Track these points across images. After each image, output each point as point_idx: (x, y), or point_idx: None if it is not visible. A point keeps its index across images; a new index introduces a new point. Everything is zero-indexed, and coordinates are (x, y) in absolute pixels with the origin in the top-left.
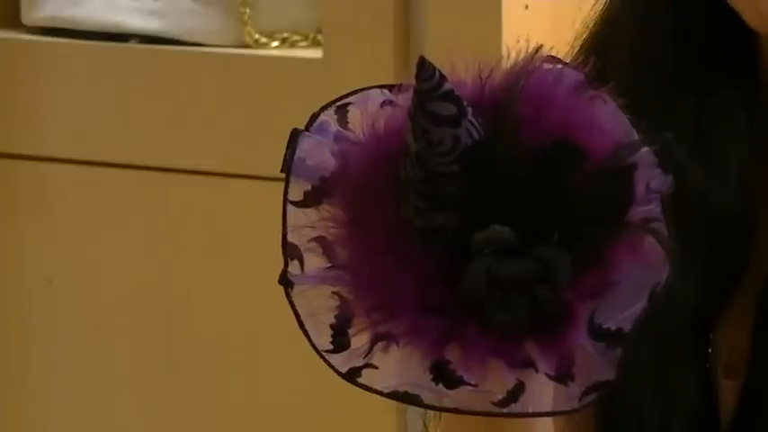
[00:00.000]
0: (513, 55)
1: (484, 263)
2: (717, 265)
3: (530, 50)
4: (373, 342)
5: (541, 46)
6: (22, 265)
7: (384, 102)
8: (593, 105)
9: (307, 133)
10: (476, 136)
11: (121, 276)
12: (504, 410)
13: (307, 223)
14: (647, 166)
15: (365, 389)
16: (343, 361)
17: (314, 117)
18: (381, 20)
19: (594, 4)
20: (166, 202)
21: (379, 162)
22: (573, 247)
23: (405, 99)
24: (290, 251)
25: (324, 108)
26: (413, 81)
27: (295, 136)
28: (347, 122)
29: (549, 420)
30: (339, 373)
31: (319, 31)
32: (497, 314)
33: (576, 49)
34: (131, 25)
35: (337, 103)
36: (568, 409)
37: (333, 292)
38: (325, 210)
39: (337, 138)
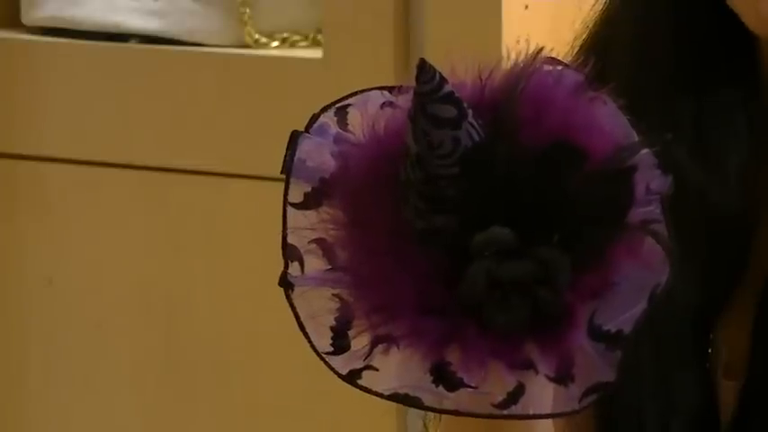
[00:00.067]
0: (513, 56)
1: (484, 264)
2: (717, 265)
3: (530, 51)
4: (373, 344)
5: (542, 47)
6: (22, 265)
7: (384, 103)
8: (593, 106)
9: (307, 135)
10: (476, 138)
11: (121, 276)
12: (505, 412)
13: (307, 225)
14: (647, 167)
15: (365, 391)
16: (343, 363)
17: (314, 118)
18: (381, 20)
19: (594, 4)
20: (166, 202)
21: (379, 164)
22: (573, 248)
23: (405, 100)
24: (290, 253)
25: (324, 109)
26: (413, 82)
27: (295, 137)
28: (347, 124)
29: (549, 422)
30: (339, 375)
31: (319, 31)
32: (497, 315)
33: (576, 50)
34: (131, 25)
35: (337, 105)
36: (568, 410)
37: (333, 294)
38: (326, 211)
39: (337, 139)
